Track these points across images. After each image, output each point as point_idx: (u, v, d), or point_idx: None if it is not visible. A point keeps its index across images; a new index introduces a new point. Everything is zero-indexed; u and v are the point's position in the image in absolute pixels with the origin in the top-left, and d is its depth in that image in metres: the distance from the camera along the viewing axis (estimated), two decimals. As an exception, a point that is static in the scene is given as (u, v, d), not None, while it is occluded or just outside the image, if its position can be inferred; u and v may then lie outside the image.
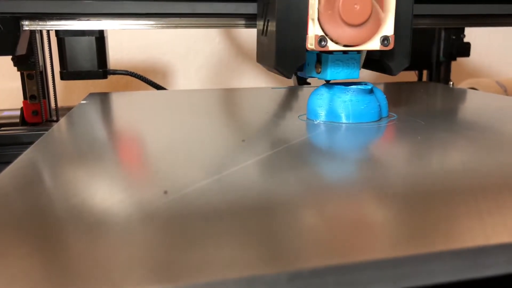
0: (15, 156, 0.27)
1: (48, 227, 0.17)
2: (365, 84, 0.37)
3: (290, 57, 0.34)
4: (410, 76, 0.82)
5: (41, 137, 0.32)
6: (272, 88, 0.58)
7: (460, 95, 0.54)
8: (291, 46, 0.34)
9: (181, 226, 0.17)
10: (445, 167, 0.26)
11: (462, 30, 0.76)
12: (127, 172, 0.25)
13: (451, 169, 0.25)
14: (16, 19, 0.43)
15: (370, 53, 0.37)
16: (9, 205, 0.20)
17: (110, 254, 0.15)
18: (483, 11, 0.49)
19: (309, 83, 0.75)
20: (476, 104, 0.48)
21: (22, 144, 0.50)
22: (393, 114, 0.39)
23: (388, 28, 0.33)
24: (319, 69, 0.36)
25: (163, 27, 0.45)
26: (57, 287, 0.13)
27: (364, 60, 0.38)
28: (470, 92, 0.56)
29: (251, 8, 0.44)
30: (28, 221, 0.18)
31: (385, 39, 0.33)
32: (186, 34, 0.90)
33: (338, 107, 0.36)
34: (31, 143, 0.31)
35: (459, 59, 0.81)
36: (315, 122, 0.36)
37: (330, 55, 0.35)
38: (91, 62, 0.60)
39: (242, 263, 0.14)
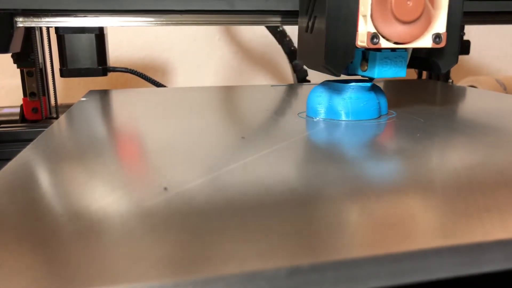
0: (15, 153, 0.27)
1: (47, 224, 0.18)
2: (365, 81, 0.37)
3: (339, 55, 0.33)
4: (410, 73, 0.82)
5: (41, 135, 0.32)
6: (272, 85, 0.58)
7: (459, 93, 0.54)
8: (340, 44, 0.33)
9: (180, 222, 0.17)
10: (443, 165, 0.26)
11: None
12: (127, 169, 0.26)
13: (450, 166, 0.26)
14: (10, 15, 0.42)
15: (416, 50, 0.36)
16: (8, 202, 0.20)
17: (110, 251, 0.15)
18: (483, 8, 0.49)
19: (308, 81, 0.75)
20: (475, 102, 0.48)
21: (21, 141, 0.50)
22: (392, 111, 0.39)
23: (440, 25, 0.32)
24: (365, 67, 0.35)
25: (162, 24, 0.45)
26: (57, 284, 0.13)
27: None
28: (470, 90, 0.56)
29: (291, 5, 0.43)
30: (27, 218, 0.18)
31: (437, 37, 0.32)
32: (186, 32, 0.90)
33: (338, 104, 0.36)
34: (30, 140, 0.31)
35: (459, 57, 0.81)
36: (315, 120, 0.36)
37: (378, 53, 0.34)
38: (91, 60, 0.60)
39: (241, 259, 0.14)
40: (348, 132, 0.33)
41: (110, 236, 0.16)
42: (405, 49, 0.34)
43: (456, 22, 0.34)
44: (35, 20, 0.43)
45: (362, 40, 0.32)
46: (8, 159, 0.26)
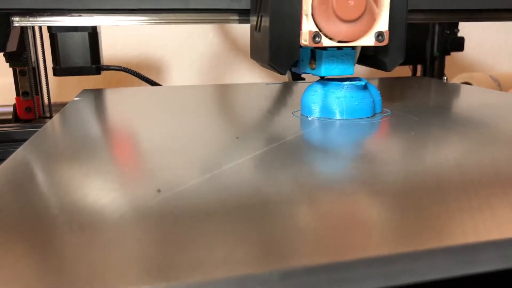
0: (8, 153, 0.27)
1: (41, 226, 0.17)
2: (359, 80, 0.37)
3: (284, 54, 0.34)
4: (404, 71, 0.82)
5: (34, 135, 0.32)
6: (267, 83, 0.58)
7: (453, 90, 0.54)
8: (285, 42, 0.33)
9: (174, 225, 0.17)
10: (437, 163, 0.26)
11: (456, 25, 0.77)
12: (120, 170, 0.25)
13: (443, 165, 0.26)
14: (6, 15, 0.43)
15: (364, 48, 0.37)
16: (2, 204, 0.20)
17: (103, 254, 0.15)
18: (477, 5, 0.49)
19: (303, 79, 0.75)
20: (469, 99, 0.48)
21: (15, 141, 0.50)
22: (387, 109, 0.39)
23: (382, 23, 0.33)
24: (314, 65, 0.36)
25: (156, 23, 0.45)
26: (52, 287, 0.13)
27: (359, 56, 0.37)
28: (464, 87, 0.56)
29: (244, 4, 0.44)
30: (21, 220, 0.18)
31: (379, 35, 0.33)
32: (180, 29, 0.90)
33: (332, 103, 0.36)
34: (24, 140, 0.31)
35: (453, 54, 0.81)
36: (309, 119, 0.36)
37: (324, 51, 0.35)
38: (84, 58, 0.59)
39: (234, 262, 0.14)
40: (343, 131, 0.33)
41: (103, 240, 0.16)
42: (352, 47, 0.35)
43: (401, 20, 0.35)
44: (31, 19, 0.43)
45: (305, 39, 0.32)
46: (2, 160, 0.26)
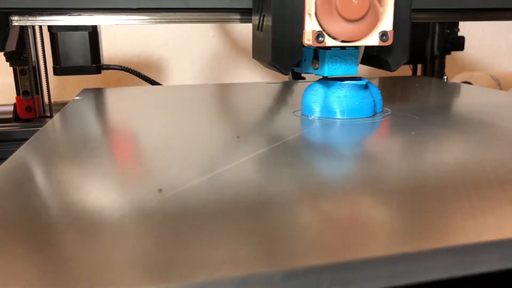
0: (8, 153, 0.27)
1: (42, 226, 0.17)
2: (360, 79, 0.37)
3: (286, 54, 0.33)
4: (405, 70, 0.82)
5: (35, 134, 0.32)
6: (267, 83, 0.58)
7: (454, 89, 0.54)
8: (287, 42, 0.33)
9: (175, 225, 0.17)
10: (438, 163, 0.26)
11: (456, 24, 0.77)
12: (121, 170, 0.25)
13: (444, 165, 0.26)
14: (5, 14, 0.42)
15: (368, 48, 0.37)
16: (2, 204, 0.20)
17: (104, 254, 0.15)
18: (478, 5, 0.49)
19: (304, 78, 0.74)
20: (470, 98, 0.48)
21: (15, 140, 0.50)
22: (387, 109, 0.39)
23: (386, 23, 0.33)
24: (316, 65, 0.36)
25: (156, 23, 0.45)
26: (52, 287, 0.13)
27: (362, 56, 0.37)
28: (464, 87, 0.56)
29: (246, 3, 0.44)
30: (22, 220, 0.18)
31: (383, 35, 0.32)
32: (180, 29, 0.90)
33: (333, 102, 0.36)
34: (24, 139, 0.31)
35: (453, 53, 0.81)
36: (310, 118, 0.36)
37: (327, 51, 0.35)
38: (85, 57, 0.59)
39: (236, 262, 0.14)
40: (343, 131, 0.33)
41: (104, 240, 0.16)
42: (355, 47, 0.34)
43: (405, 20, 0.34)
44: (30, 19, 0.43)
45: (308, 38, 0.32)
46: (2, 159, 0.26)
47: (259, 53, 0.38)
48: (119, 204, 0.20)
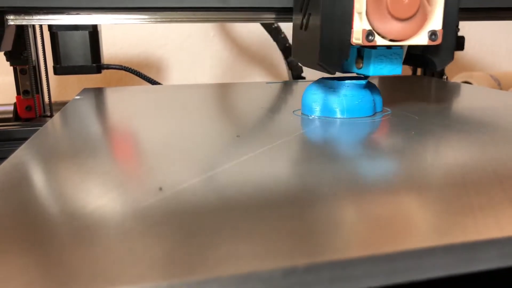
0: (8, 152, 0.27)
1: (43, 225, 0.17)
2: (360, 79, 0.37)
3: (334, 53, 0.33)
4: (405, 70, 0.83)
5: (35, 134, 0.32)
6: (267, 82, 0.58)
7: (454, 89, 0.54)
8: (335, 41, 0.33)
9: (176, 223, 0.17)
10: (437, 162, 0.26)
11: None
12: (121, 169, 0.25)
13: (444, 164, 0.26)
14: (0, 13, 0.42)
15: (411, 47, 0.36)
16: (3, 203, 0.20)
17: (104, 252, 0.15)
18: (477, 4, 0.49)
19: (304, 77, 0.75)
20: (470, 98, 0.49)
21: (15, 140, 0.50)
22: (387, 108, 0.39)
23: (436, 22, 0.32)
24: (361, 64, 0.35)
25: (157, 22, 0.45)
26: (53, 284, 0.13)
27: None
28: (464, 86, 0.56)
29: (286, 2, 0.43)
30: (23, 219, 0.18)
31: (433, 34, 0.32)
32: (180, 28, 0.90)
33: (333, 102, 0.36)
34: (25, 139, 0.31)
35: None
36: (310, 117, 0.36)
37: (373, 50, 0.34)
38: (85, 57, 0.59)
39: (236, 260, 0.14)
40: (343, 130, 0.33)
41: (105, 238, 0.16)
42: (401, 46, 0.34)
43: (452, 19, 0.34)
44: (26, 18, 0.43)
45: (357, 37, 0.32)
46: (2, 159, 0.26)
47: (301, 53, 0.37)
48: (119, 202, 0.20)
